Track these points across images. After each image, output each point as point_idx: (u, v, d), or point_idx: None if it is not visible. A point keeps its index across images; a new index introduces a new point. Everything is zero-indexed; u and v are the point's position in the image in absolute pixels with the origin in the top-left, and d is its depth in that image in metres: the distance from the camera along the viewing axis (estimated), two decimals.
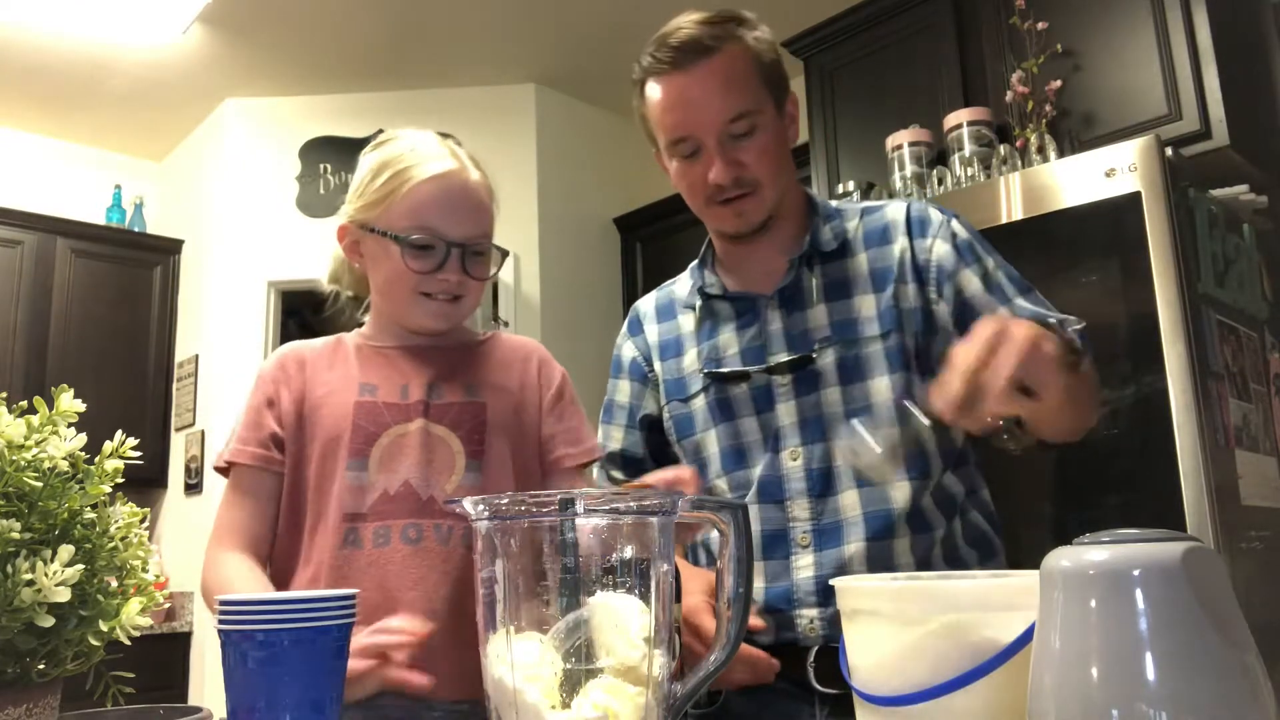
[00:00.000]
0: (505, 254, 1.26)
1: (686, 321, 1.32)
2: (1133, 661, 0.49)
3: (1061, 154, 2.18)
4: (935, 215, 1.25)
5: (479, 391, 1.20)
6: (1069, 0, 2.34)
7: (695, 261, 1.36)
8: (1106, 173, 1.88)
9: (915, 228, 1.24)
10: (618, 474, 1.33)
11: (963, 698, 0.62)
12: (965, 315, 1.18)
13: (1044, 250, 1.97)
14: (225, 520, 1.20)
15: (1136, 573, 0.50)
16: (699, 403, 1.25)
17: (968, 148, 2.34)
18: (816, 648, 1.11)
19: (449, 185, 1.21)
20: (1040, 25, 2.34)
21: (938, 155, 2.49)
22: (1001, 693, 0.61)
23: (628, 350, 1.38)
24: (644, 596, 0.63)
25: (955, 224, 1.25)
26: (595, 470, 1.30)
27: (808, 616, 1.12)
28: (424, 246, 1.17)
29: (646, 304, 1.41)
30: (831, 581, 0.76)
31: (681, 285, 1.38)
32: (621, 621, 0.62)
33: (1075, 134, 2.27)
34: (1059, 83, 2.30)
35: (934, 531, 1.15)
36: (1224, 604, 0.50)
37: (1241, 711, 0.48)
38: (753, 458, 1.20)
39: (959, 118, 2.38)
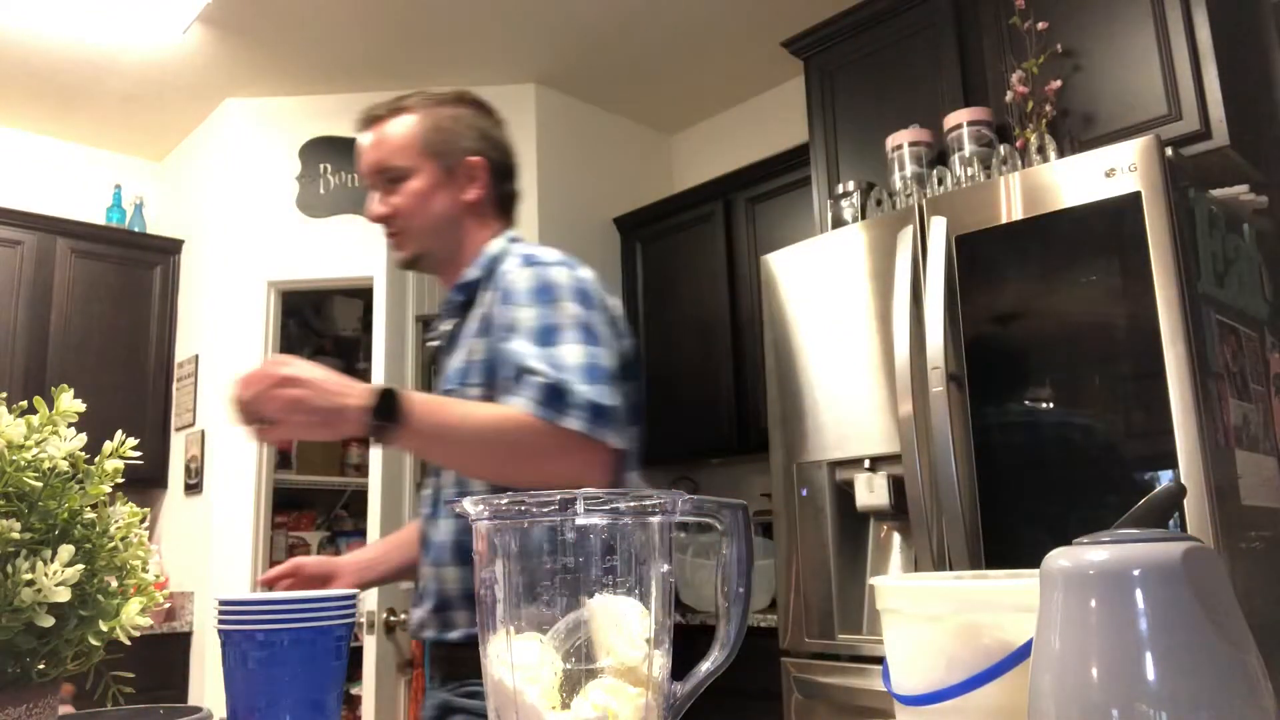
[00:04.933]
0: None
1: None
2: (1133, 661, 0.49)
3: (1061, 154, 2.18)
4: (508, 264, 1.36)
5: None
6: (1069, 0, 2.35)
7: None
8: (1106, 173, 1.88)
9: (495, 278, 1.37)
10: None
11: (977, 697, 0.62)
12: (494, 363, 1.31)
13: (1044, 250, 1.98)
14: None
15: (1136, 573, 0.50)
16: None
17: (968, 148, 2.34)
18: None
19: None
20: (1040, 25, 2.34)
21: (938, 155, 2.49)
22: (1016, 694, 0.61)
23: None
24: (644, 597, 0.63)
25: (512, 276, 1.33)
26: None
27: None
28: None
29: None
30: (870, 581, 0.77)
31: None
32: (622, 622, 0.62)
33: (1075, 134, 2.27)
34: (1059, 83, 2.30)
35: None
36: (1224, 604, 0.50)
37: (1241, 711, 0.48)
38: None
39: (959, 118, 2.38)
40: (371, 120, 1.48)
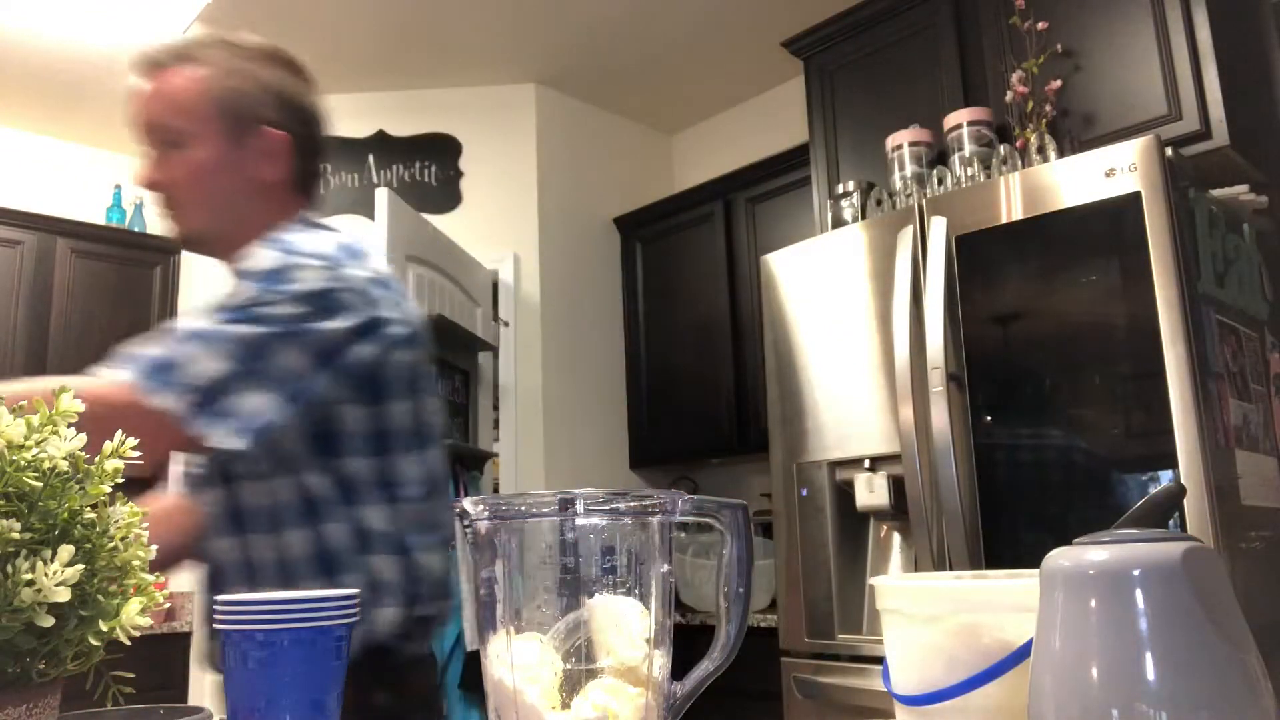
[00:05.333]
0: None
1: None
2: (1133, 661, 0.49)
3: (1061, 154, 2.18)
4: (260, 246, 1.15)
5: None
6: (1069, 0, 2.35)
7: None
8: (1106, 173, 1.88)
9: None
10: None
11: (977, 697, 0.62)
12: None
13: (1044, 250, 1.98)
14: None
15: (1136, 573, 0.50)
16: None
17: (968, 148, 2.34)
18: None
19: None
20: (1040, 25, 2.34)
21: (938, 155, 2.49)
22: (1016, 694, 0.61)
23: None
24: (644, 597, 0.63)
25: (253, 256, 1.13)
26: None
27: None
28: None
29: None
30: (870, 581, 0.76)
31: None
32: (622, 622, 0.62)
33: (1075, 134, 2.27)
34: (1059, 83, 2.30)
35: None
36: (1224, 604, 0.50)
37: (1241, 711, 0.48)
38: None
39: (959, 118, 2.38)
40: (151, 66, 1.21)
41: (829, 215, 2.60)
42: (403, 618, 1.17)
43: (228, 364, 1.05)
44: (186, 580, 1.50)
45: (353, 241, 1.23)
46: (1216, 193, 2.03)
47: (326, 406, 1.13)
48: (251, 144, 1.21)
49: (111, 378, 1.04)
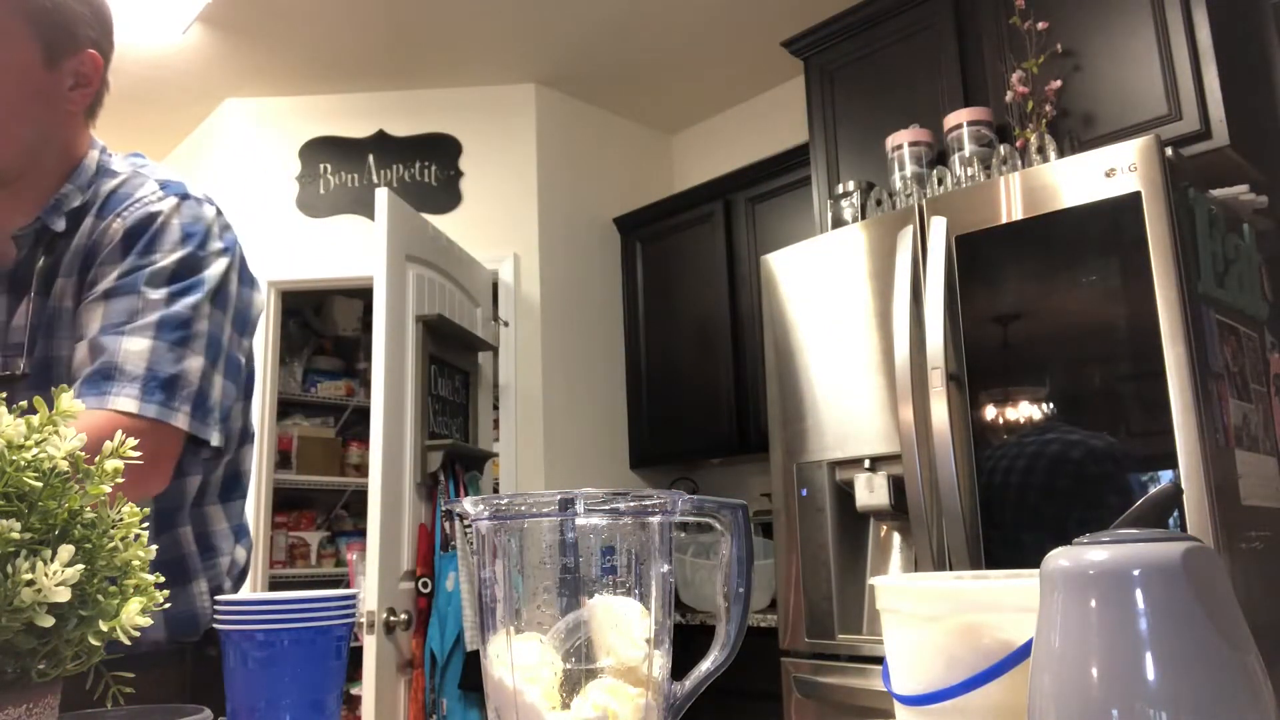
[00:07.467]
0: None
1: None
2: (1133, 661, 0.49)
3: (1061, 154, 2.18)
4: (144, 189, 1.06)
5: None
6: (1069, 0, 2.35)
7: None
8: (1106, 173, 1.88)
9: (109, 202, 1.05)
10: None
11: (977, 697, 0.62)
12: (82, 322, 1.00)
13: (1044, 250, 1.98)
14: None
15: (1136, 573, 0.50)
16: None
17: (968, 148, 2.34)
18: None
19: None
20: (1040, 25, 2.34)
21: (938, 155, 2.49)
22: (1016, 694, 0.61)
23: None
24: (644, 597, 0.63)
25: (154, 208, 1.04)
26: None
27: None
28: None
29: None
30: (870, 581, 0.76)
31: None
32: (622, 622, 0.62)
33: (1075, 134, 2.27)
34: (1059, 83, 2.30)
35: None
36: (1224, 604, 0.50)
37: (1241, 711, 0.48)
38: None
39: (959, 118, 2.38)
40: None
41: (829, 215, 2.60)
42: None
43: (205, 355, 1.00)
44: None
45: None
46: (1216, 193, 2.03)
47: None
48: (66, 65, 1.06)
49: (111, 405, 0.94)
